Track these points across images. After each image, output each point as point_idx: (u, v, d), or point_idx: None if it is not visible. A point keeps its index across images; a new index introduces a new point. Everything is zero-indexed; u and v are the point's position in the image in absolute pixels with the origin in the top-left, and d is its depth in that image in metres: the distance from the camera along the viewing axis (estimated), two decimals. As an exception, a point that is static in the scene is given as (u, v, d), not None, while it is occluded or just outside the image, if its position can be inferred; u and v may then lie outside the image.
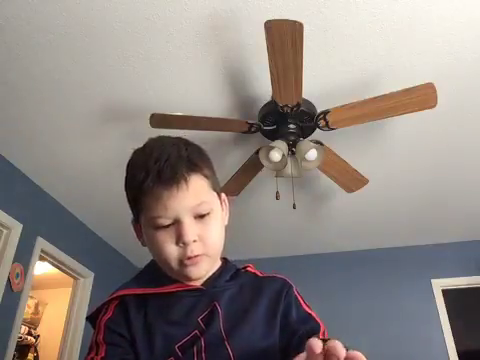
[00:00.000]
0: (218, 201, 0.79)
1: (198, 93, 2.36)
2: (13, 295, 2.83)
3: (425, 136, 2.70)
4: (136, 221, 0.78)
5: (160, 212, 0.71)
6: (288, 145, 2.26)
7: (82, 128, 2.61)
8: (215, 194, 0.78)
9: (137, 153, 0.77)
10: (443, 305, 3.87)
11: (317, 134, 2.37)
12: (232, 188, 2.78)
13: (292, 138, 2.28)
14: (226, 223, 0.82)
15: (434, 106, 2.09)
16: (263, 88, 2.28)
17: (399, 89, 2.05)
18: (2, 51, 2.09)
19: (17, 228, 2.90)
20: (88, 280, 3.67)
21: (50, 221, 3.30)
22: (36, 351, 4.82)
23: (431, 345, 3.71)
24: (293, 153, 2.32)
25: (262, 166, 2.38)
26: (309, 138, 2.40)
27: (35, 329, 4.97)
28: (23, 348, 4.63)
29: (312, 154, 2.22)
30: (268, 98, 2.31)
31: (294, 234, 4.00)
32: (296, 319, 0.76)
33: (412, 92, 2.04)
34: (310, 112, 2.27)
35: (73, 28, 1.98)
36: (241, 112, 2.47)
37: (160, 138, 0.80)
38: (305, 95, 2.16)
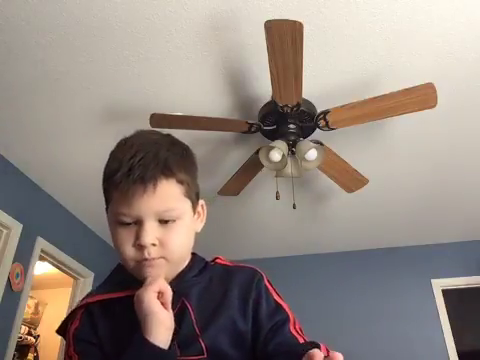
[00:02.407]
0: (190, 209, 0.76)
1: (198, 93, 2.36)
2: (13, 295, 2.83)
3: (425, 136, 2.70)
4: (107, 211, 0.77)
5: (124, 209, 0.69)
6: (288, 145, 2.26)
7: (82, 128, 2.61)
8: (188, 201, 0.75)
9: (120, 142, 0.76)
10: (443, 305, 3.87)
11: (317, 134, 2.37)
12: (232, 188, 2.78)
13: (292, 138, 2.28)
14: (198, 230, 0.80)
15: (434, 106, 2.09)
16: (263, 88, 2.28)
17: (399, 89, 2.05)
18: (2, 51, 2.09)
19: (17, 228, 2.90)
20: (88, 280, 3.67)
21: (50, 221, 3.30)
22: (36, 351, 4.82)
23: (431, 345, 3.71)
24: (293, 153, 2.32)
25: (262, 166, 2.39)
26: (309, 138, 2.40)
27: (35, 329, 4.97)
28: (23, 348, 4.63)
29: (312, 154, 2.22)
30: (268, 98, 2.31)
31: (294, 234, 4.00)
32: (266, 311, 0.75)
33: (412, 92, 2.04)
34: (310, 112, 2.27)
35: (73, 28, 1.98)
36: (241, 112, 2.47)
37: (146, 133, 0.78)
38: (305, 95, 2.16)
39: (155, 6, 1.88)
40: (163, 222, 0.71)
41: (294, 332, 0.73)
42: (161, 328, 0.67)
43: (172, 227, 0.71)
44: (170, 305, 0.70)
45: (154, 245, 0.70)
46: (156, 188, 0.68)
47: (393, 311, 3.93)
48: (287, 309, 0.77)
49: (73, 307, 0.78)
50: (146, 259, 0.70)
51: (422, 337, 3.77)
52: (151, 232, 0.69)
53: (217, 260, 0.85)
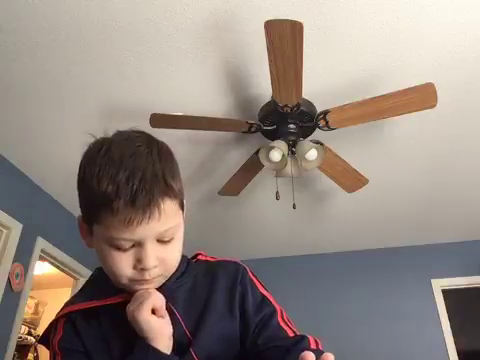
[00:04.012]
0: (182, 219, 0.73)
1: (198, 93, 2.36)
2: (13, 295, 2.83)
3: (425, 136, 2.70)
4: (85, 222, 0.71)
5: (124, 235, 0.64)
6: (288, 145, 2.26)
7: (82, 128, 2.61)
8: (181, 212, 0.72)
9: (102, 153, 0.66)
10: (443, 305, 3.87)
11: (317, 134, 2.37)
12: (232, 188, 2.78)
13: (292, 138, 2.28)
14: None
15: (434, 106, 2.09)
16: (263, 88, 2.28)
17: (399, 89, 2.05)
18: (2, 51, 2.09)
19: (17, 228, 2.90)
20: (88, 280, 3.67)
21: (50, 221, 3.30)
22: (36, 351, 4.82)
23: (431, 345, 3.71)
24: (293, 153, 2.32)
25: (262, 166, 2.38)
26: (309, 138, 2.40)
27: (35, 329, 4.96)
28: (23, 348, 4.62)
29: (312, 154, 2.22)
30: (268, 98, 2.31)
31: (294, 234, 4.00)
32: (252, 305, 0.75)
33: (412, 92, 2.04)
34: (310, 112, 2.27)
35: (73, 28, 1.98)
36: (241, 112, 2.47)
37: (129, 139, 0.70)
38: (305, 95, 2.16)
39: (155, 6, 1.88)
40: (162, 241, 0.68)
41: (282, 324, 0.74)
42: (161, 338, 0.68)
43: (170, 244, 0.69)
44: (165, 315, 0.70)
45: (155, 267, 0.68)
46: (161, 211, 0.64)
47: (393, 311, 3.93)
48: (273, 301, 0.77)
49: (54, 317, 0.76)
50: (146, 280, 0.68)
51: (422, 337, 3.77)
52: (153, 254, 0.67)
53: (199, 256, 0.83)
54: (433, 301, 3.90)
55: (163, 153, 0.70)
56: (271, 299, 0.77)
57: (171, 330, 0.69)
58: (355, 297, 4.07)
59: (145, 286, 0.69)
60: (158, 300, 0.69)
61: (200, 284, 0.77)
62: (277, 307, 0.76)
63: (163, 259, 0.69)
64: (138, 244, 0.66)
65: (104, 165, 0.65)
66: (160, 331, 0.68)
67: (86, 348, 0.72)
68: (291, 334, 0.72)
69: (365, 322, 3.91)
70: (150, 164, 0.66)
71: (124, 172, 0.63)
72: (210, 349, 0.71)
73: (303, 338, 0.70)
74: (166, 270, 0.71)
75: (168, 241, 0.69)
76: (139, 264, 0.67)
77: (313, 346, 0.68)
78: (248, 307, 0.74)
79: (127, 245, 0.66)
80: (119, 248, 0.66)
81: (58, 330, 0.74)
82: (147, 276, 0.68)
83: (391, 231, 3.95)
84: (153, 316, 0.68)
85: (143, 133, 0.74)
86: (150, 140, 0.72)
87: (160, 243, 0.68)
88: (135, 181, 0.63)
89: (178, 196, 0.69)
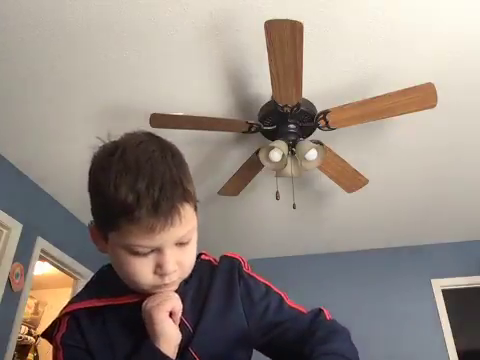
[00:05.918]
0: (196, 220, 0.73)
1: (198, 93, 2.36)
2: (13, 295, 2.83)
3: (425, 136, 2.70)
4: (98, 229, 0.70)
5: (144, 242, 0.64)
6: (288, 145, 2.26)
7: (82, 128, 2.61)
8: (195, 214, 0.71)
9: (115, 159, 0.64)
10: (443, 305, 3.87)
11: (317, 134, 2.37)
12: (232, 188, 2.78)
13: (292, 138, 2.28)
14: None
15: (434, 106, 2.09)
16: (263, 88, 2.28)
17: (399, 89, 2.05)
18: (2, 50, 2.09)
19: (17, 228, 2.90)
20: (88, 280, 3.66)
21: (50, 221, 3.30)
22: (36, 351, 4.82)
23: (431, 345, 3.71)
24: (293, 153, 2.32)
25: (262, 166, 2.39)
26: (309, 138, 2.40)
27: (35, 329, 4.96)
28: (23, 348, 4.62)
29: (312, 154, 2.22)
30: (268, 98, 2.31)
31: (294, 234, 4.00)
32: (259, 298, 0.77)
33: (412, 92, 2.04)
34: (310, 112, 2.27)
35: (73, 28, 1.98)
36: (241, 112, 2.47)
37: (142, 144, 0.68)
38: (305, 95, 2.16)
39: (155, 6, 1.88)
40: (179, 244, 0.68)
41: (293, 305, 0.78)
42: (170, 345, 0.68)
43: (187, 247, 0.69)
44: (179, 321, 0.71)
45: (175, 270, 0.68)
46: (181, 217, 0.64)
47: (393, 311, 3.93)
48: (276, 288, 0.80)
49: (59, 313, 0.76)
50: (167, 284, 0.69)
51: (422, 337, 3.77)
52: (173, 259, 0.67)
53: (202, 256, 0.83)
54: (433, 301, 3.90)
55: (177, 157, 0.70)
56: (274, 287, 0.80)
57: (180, 338, 0.70)
58: (355, 297, 4.06)
59: (164, 289, 0.70)
60: (178, 305, 0.70)
61: (204, 285, 0.78)
62: (281, 293, 0.80)
63: (180, 262, 0.69)
64: (157, 249, 0.66)
65: (120, 172, 0.63)
66: (171, 335, 0.68)
67: (89, 346, 0.72)
68: (304, 310, 0.78)
69: (365, 322, 3.91)
70: (167, 170, 0.65)
71: (143, 180, 0.62)
72: (211, 347, 0.71)
73: (320, 311, 0.77)
74: (183, 273, 0.71)
75: (186, 244, 0.69)
76: (159, 269, 0.67)
77: (329, 318, 0.76)
78: (255, 300, 0.77)
79: (147, 251, 0.66)
80: (139, 255, 0.66)
81: (62, 326, 0.74)
82: (167, 280, 0.68)
83: (391, 231, 3.96)
84: (169, 319, 0.68)
85: (153, 136, 0.72)
86: (163, 144, 0.71)
87: (178, 247, 0.68)
88: (156, 188, 0.62)
89: (194, 199, 0.69)
